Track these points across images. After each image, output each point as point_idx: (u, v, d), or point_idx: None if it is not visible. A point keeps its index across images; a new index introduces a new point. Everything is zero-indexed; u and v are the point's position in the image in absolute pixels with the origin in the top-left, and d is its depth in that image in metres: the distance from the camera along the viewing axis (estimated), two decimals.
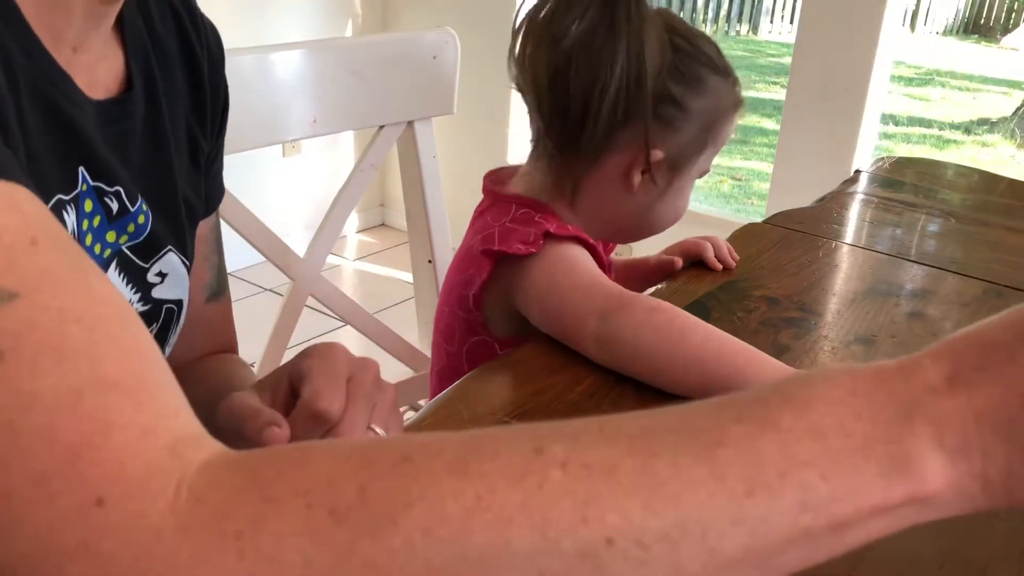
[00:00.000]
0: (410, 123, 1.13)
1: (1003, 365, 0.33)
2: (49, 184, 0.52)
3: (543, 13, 0.80)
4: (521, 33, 0.82)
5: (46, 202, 0.50)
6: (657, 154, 0.82)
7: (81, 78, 0.53)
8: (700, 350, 0.68)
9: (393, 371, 1.07)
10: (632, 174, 0.83)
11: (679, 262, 0.94)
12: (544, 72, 0.80)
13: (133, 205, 0.59)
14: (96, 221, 0.56)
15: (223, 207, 0.76)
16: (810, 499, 0.31)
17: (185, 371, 0.72)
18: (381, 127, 1.11)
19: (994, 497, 0.33)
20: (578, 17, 0.78)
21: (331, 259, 0.94)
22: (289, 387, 0.55)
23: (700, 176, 0.90)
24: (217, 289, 0.75)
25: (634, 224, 0.88)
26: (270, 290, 2.59)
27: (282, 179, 2.95)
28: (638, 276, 0.99)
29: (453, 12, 2.80)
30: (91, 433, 0.30)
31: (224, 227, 0.80)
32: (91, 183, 0.55)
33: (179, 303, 0.65)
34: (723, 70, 0.86)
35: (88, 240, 0.56)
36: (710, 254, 0.93)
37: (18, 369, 0.31)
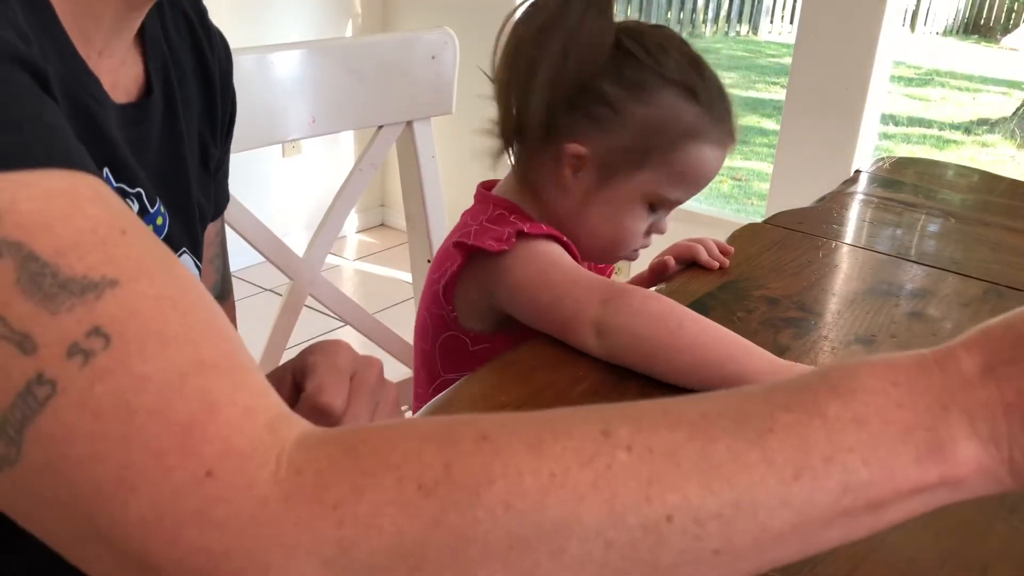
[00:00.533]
0: (409, 123, 1.13)
1: None
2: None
3: (517, 11, 0.83)
4: (500, 33, 0.84)
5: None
6: (578, 148, 0.82)
7: (105, 81, 0.55)
8: (697, 337, 0.69)
9: (393, 371, 1.07)
10: (563, 170, 0.83)
11: (671, 261, 0.94)
12: (500, 64, 0.84)
13: (152, 207, 0.60)
14: None
15: None
16: (852, 482, 0.34)
17: None
18: (380, 127, 1.11)
19: (1020, 480, 0.36)
20: (538, 13, 0.81)
21: (331, 259, 0.93)
22: (293, 382, 0.56)
23: (655, 215, 0.85)
24: (222, 291, 0.76)
25: (573, 229, 0.85)
26: (270, 290, 2.59)
27: (282, 179, 2.95)
28: (635, 284, 0.99)
29: (453, 12, 2.80)
30: (199, 411, 0.33)
31: (225, 227, 0.80)
32: (115, 184, 0.56)
33: None
34: (691, 90, 0.82)
35: None
36: (703, 255, 0.93)
37: (127, 352, 0.33)
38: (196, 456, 0.32)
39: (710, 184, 0.94)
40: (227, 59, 0.70)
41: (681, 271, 0.94)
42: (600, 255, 0.89)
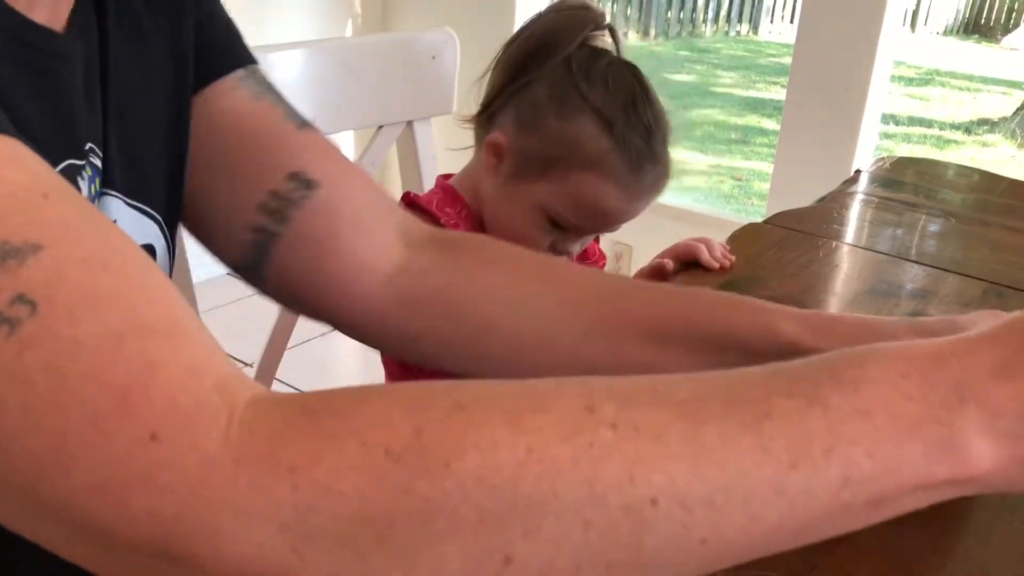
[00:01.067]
0: (409, 123, 1.13)
1: None
2: (49, 153, 0.49)
3: None
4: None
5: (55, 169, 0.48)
6: (500, 138, 0.87)
7: (42, 15, 0.49)
8: None
9: None
10: (490, 156, 0.88)
11: (670, 264, 0.94)
12: None
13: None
14: (98, 185, 0.54)
15: None
16: (853, 475, 0.32)
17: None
18: (380, 127, 1.11)
19: None
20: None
21: None
22: None
23: (557, 232, 0.88)
24: (300, 119, 0.64)
25: (492, 217, 0.91)
26: None
27: None
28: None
29: (453, 12, 2.80)
30: (137, 373, 0.31)
31: None
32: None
33: (148, 247, 0.59)
34: (607, 123, 0.83)
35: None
36: (705, 255, 0.93)
37: (55, 318, 0.31)
38: (137, 418, 0.30)
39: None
40: None
41: (682, 271, 0.93)
42: (501, 236, 0.92)
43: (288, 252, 0.60)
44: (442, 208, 0.89)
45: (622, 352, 0.58)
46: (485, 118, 0.90)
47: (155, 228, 0.60)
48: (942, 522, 0.54)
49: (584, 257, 1.00)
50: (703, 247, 0.94)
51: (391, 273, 0.61)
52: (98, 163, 0.54)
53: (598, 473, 0.31)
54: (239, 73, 0.63)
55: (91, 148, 0.53)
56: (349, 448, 0.30)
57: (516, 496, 0.30)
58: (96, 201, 0.55)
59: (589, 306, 0.59)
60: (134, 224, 0.58)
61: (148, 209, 0.59)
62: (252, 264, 0.62)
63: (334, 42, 1.62)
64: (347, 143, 3.16)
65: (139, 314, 0.33)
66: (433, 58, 1.11)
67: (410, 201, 0.89)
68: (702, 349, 0.57)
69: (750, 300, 0.59)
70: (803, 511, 0.32)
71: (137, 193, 0.58)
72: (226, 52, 0.64)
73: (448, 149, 0.99)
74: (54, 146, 0.49)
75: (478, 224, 0.92)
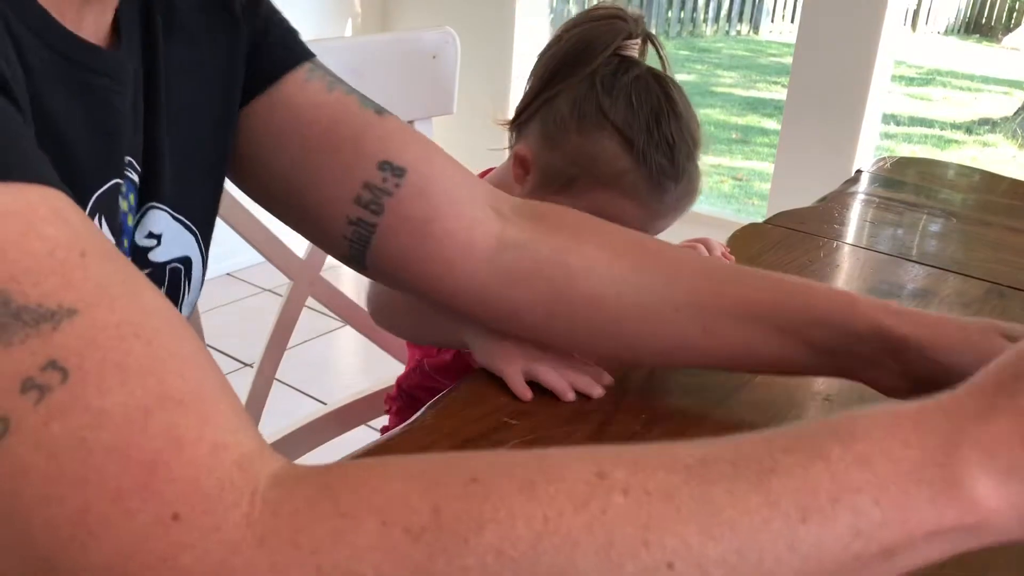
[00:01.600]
0: (410, 123, 1.13)
1: None
2: (96, 172, 0.49)
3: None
4: None
5: (101, 189, 0.49)
6: (526, 152, 0.86)
7: (89, 30, 0.50)
8: None
9: (392, 371, 1.07)
10: (516, 168, 0.88)
11: None
12: None
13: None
14: (132, 199, 0.54)
15: (223, 206, 0.75)
16: (863, 524, 0.32)
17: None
18: None
19: None
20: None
21: (331, 259, 0.92)
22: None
23: None
24: (375, 105, 0.66)
25: None
26: (270, 290, 2.59)
27: None
28: None
29: (453, 12, 2.80)
30: (163, 450, 0.31)
31: (224, 227, 0.79)
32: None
33: (185, 260, 0.62)
34: (628, 141, 0.82)
35: (130, 220, 0.55)
36: (704, 254, 0.93)
37: (85, 387, 0.31)
38: (160, 498, 0.30)
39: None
40: None
41: None
42: None
43: (388, 240, 0.62)
44: None
45: (715, 328, 0.60)
46: (516, 127, 0.90)
47: (193, 240, 0.61)
48: None
49: None
50: (702, 247, 0.93)
51: (491, 248, 0.63)
52: (134, 177, 0.54)
53: (614, 540, 0.31)
54: (306, 66, 0.64)
55: (130, 162, 0.53)
56: (369, 528, 0.31)
57: (536, 568, 0.31)
58: (139, 214, 0.56)
59: (684, 283, 0.62)
60: (176, 236, 0.59)
61: (188, 223, 0.60)
62: (356, 255, 0.63)
63: (334, 42, 1.62)
64: None
65: (168, 386, 0.33)
66: (434, 57, 1.11)
67: None
68: (788, 328, 0.59)
69: (827, 285, 0.61)
70: (816, 564, 0.32)
71: (181, 207, 0.59)
72: (289, 48, 0.65)
73: (490, 149, 0.97)
74: (100, 166, 0.50)
75: None
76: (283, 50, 0.64)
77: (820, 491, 0.32)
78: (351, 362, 2.36)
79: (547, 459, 0.34)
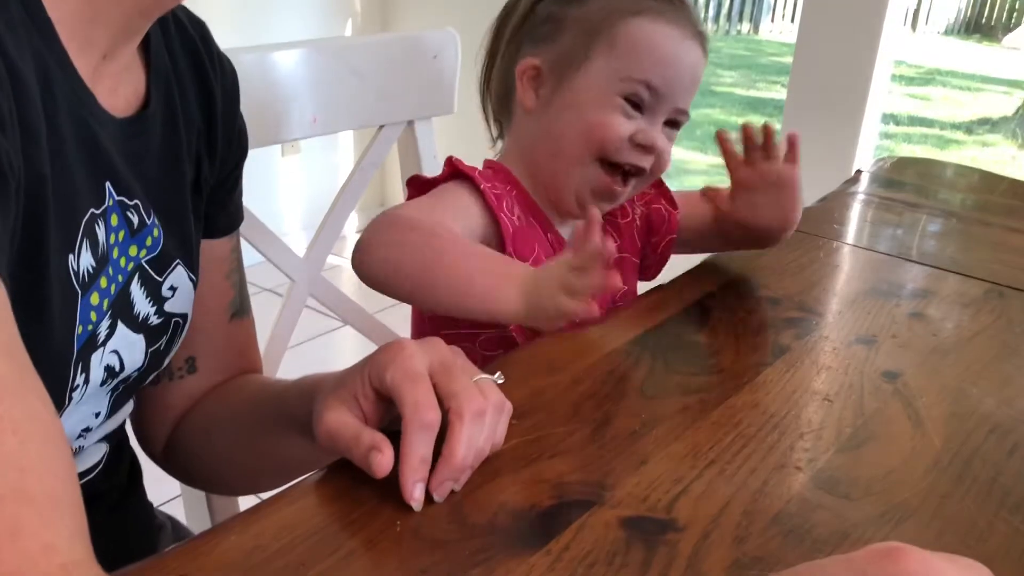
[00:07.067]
0: (410, 123, 1.13)
1: None
2: (83, 198, 0.54)
3: None
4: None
5: (81, 217, 0.54)
6: (530, 60, 0.86)
7: (104, 91, 0.56)
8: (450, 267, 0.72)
9: None
10: (525, 95, 0.87)
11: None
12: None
13: (148, 219, 0.61)
14: (121, 235, 0.59)
15: None
16: None
17: (215, 394, 0.76)
18: (381, 127, 1.11)
19: None
20: None
21: (331, 259, 0.93)
22: (375, 394, 0.55)
23: (638, 114, 0.84)
24: (240, 308, 0.77)
25: (551, 157, 0.86)
26: (270, 290, 2.59)
27: (281, 179, 2.95)
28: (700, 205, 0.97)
29: (453, 12, 2.79)
30: (1, 536, 0.34)
31: None
32: (115, 197, 0.57)
33: (184, 316, 0.68)
34: None
35: (115, 253, 0.59)
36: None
37: None
38: None
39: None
40: (234, 90, 0.71)
41: (681, 272, 0.93)
42: (579, 175, 0.85)
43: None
44: (488, 179, 0.84)
45: (268, 441, 0.70)
46: (493, 96, 0.92)
47: (192, 298, 0.68)
48: (942, 522, 0.54)
49: (649, 217, 0.97)
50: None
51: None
52: (132, 217, 0.60)
53: None
54: (233, 237, 0.75)
55: (137, 205, 0.60)
56: None
57: None
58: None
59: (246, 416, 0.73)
60: (187, 294, 0.67)
61: (196, 280, 0.69)
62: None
63: (334, 42, 1.62)
64: (346, 143, 3.16)
65: (26, 483, 0.35)
66: (434, 57, 1.11)
67: (452, 164, 0.85)
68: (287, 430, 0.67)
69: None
70: None
71: (194, 267, 0.68)
72: (232, 215, 0.74)
73: (490, 149, 0.97)
74: (89, 191, 0.55)
75: (529, 204, 0.88)
76: (237, 211, 0.75)
77: None
78: (351, 362, 2.35)
79: None
